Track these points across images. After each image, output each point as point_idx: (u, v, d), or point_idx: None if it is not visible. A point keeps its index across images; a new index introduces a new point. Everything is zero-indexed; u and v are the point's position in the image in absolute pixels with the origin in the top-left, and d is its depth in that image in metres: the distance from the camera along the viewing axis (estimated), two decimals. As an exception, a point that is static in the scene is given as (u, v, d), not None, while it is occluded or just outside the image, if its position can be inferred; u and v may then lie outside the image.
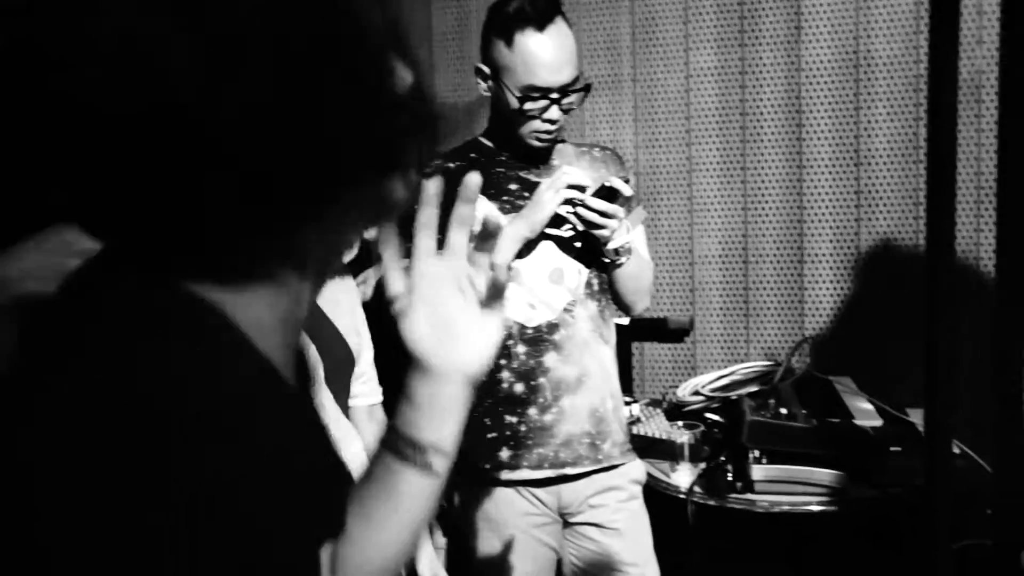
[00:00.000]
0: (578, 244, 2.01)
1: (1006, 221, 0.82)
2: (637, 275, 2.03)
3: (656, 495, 2.30)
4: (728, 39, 2.84)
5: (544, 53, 1.89)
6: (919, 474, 2.08)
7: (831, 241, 2.79)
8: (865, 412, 2.39)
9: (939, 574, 0.91)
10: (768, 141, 2.83)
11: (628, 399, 2.68)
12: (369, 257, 2.10)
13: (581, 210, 1.92)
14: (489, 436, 2.00)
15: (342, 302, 1.83)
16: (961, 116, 2.66)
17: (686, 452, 2.34)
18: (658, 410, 2.72)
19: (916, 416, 2.47)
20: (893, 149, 2.73)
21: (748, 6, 2.81)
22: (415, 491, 0.87)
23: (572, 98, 1.96)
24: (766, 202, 2.84)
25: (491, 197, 2.01)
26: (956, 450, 2.54)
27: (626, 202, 1.94)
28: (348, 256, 1.67)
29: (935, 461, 0.90)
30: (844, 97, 2.76)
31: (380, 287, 2.07)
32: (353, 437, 1.78)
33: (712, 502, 2.26)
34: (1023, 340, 0.84)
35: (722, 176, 2.87)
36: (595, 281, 2.03)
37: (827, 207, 2.79)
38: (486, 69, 1.97)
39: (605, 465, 2.02)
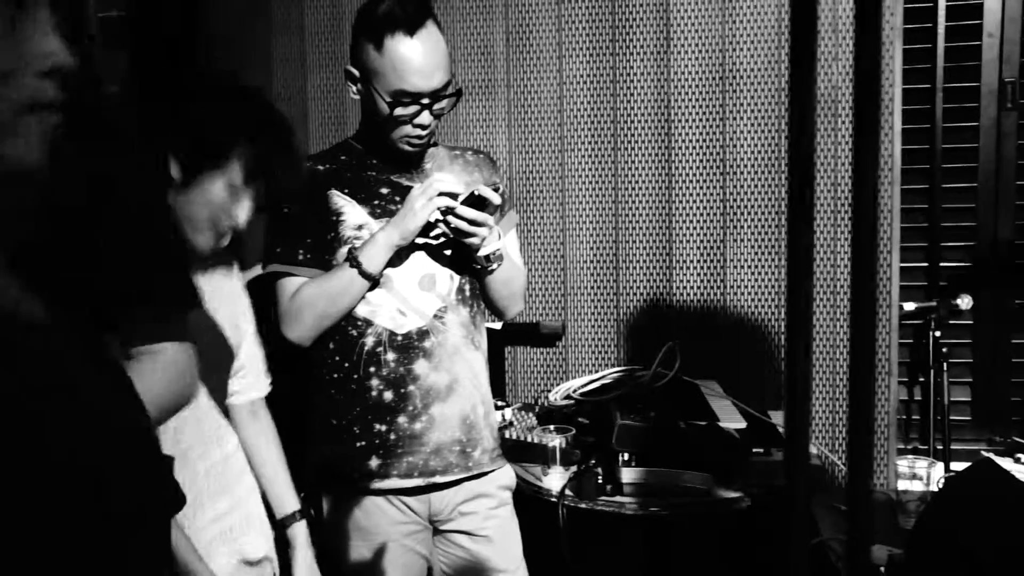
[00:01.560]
0: (449, 251, 2.00)
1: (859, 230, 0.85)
2: (509, 280, 2.04)
3: (528, 499, 2.32)
4: (600, 48, 2.88)
5: (415, 58, 1.87)
6: (780, 474, 2.15)
7: (699, 247, 2.86)
8: (730, 415, 2.46)
9: (795, 571, 0.94)
10: (639, 149, 2.88)
11: (501, 403, 2.69)
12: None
13: (451, 218, 1.91)
14: (359, 445, 1.98)
15: (222, 291, 1.76)
16: (820, 129, 2.77)
17: (558, 456, 2.36)
18: (530, 414, 2.74)
19: (778, 418, 2.55)
20: (756, 159, 2.82)
21: (620, 16, 2.86)
22: None
23: (443, 103, 1.95)
24: (637, 209, 2.89)
25: (361, 201, 1.99)
26: (814, 450, 2.64)
27: (496, 209, 1.94)
28: (224, 241, 1.61)
29: (794, 461, 0.93)
30: (711, 108, 2.83)
31: (261, 280, 2.02)
32: (226, 432, 1.72)
33: (583, 505, 2.29)
34: (874, 345, 0.87)
35: (594, 182, 2.91)
36: (467, 287, 2.03)
37: (695, 214, 2.86)
38: (356, 72, 1.94)
39: (475, 472, 2.02)
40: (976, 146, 3.15)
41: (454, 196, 1.91)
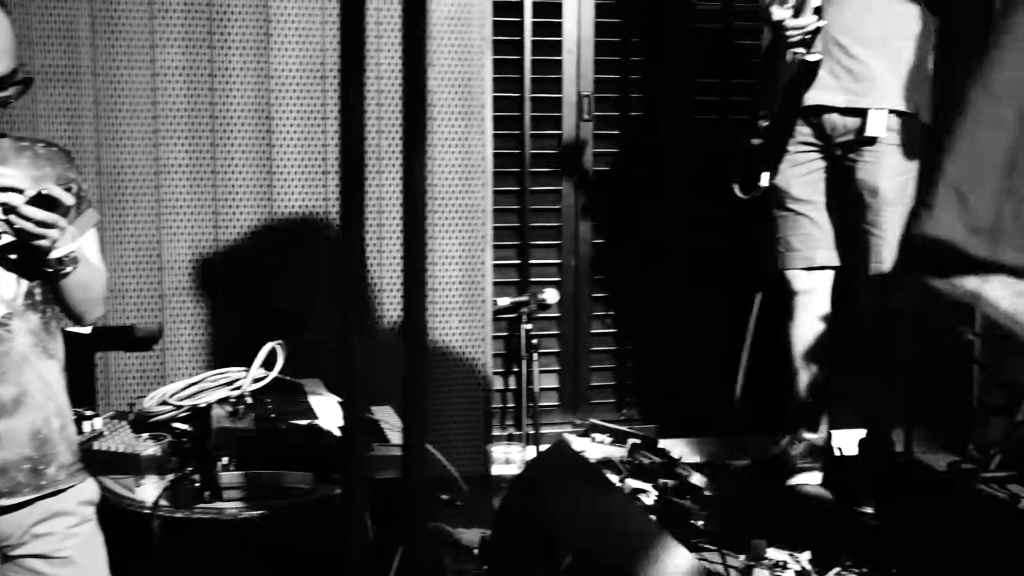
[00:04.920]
0: (14, 254, 1.84)
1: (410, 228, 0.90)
2: (87, 284, 1.91)
3: (122, 513, 2.19)
4: (197, 39, 2.78)
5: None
6: (377, 469, 2.20)
7: (300, 247, 2.86)
8: (332, 413, 2.48)
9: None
10: (239, 145, 2.82)
11: (90, 412, 2.51)
12: None
13: (15, 218, 1.75)
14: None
15: None
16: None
17: (152, 465, 2.26)
18: (123, 423, 2.59)
19: (379, 413, 2.61)
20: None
21: (217, 8, 2.78)
22: None
23: (9, 91, 1.78)
24: (237, 207, 2.83)
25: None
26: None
27: (69, 209, 1.81)
28: None
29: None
30: (312, 107, 2.84)
31: None
32: None
33: (179, 514, 2.20)
34: (425, 341, 0.92)
35: (192, 179, 2.80)
36: (37, 291, 1.87)
37: (297, 213, 2.85)
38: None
39: (50, 491, 1.87)
40: (559, 152, 3.43)
41: (21, 191, 1.76)
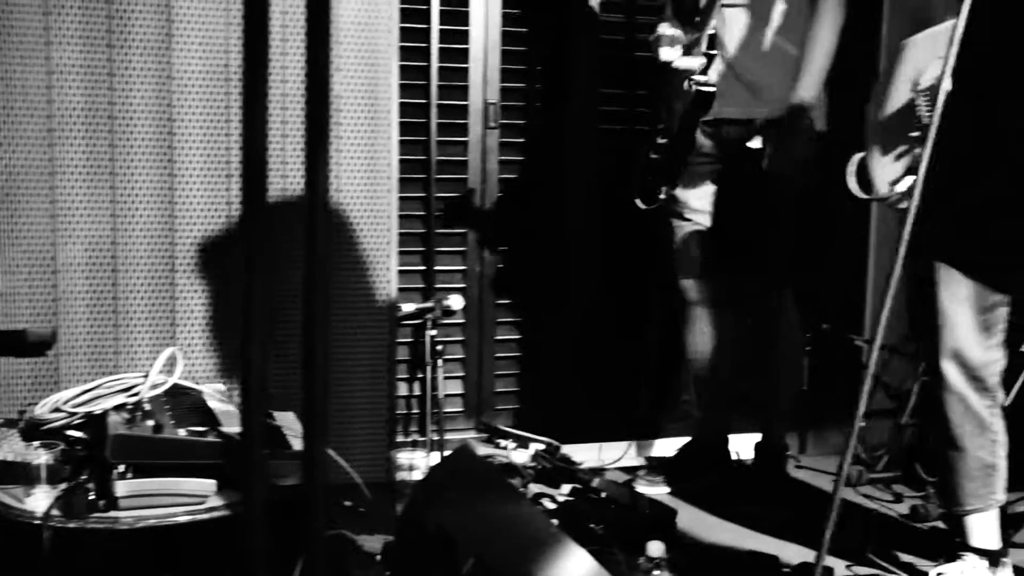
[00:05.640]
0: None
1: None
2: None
3: (11, 525, 2.13)
4: (95, 38, 2.71)
5: None
6: (279, 475, 2.19)
7: (204, 250, 2.81)
8: (233, 418, 2.45)
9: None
10: (139, 147, 2.76)
11: (-22, 421, 2.43)
12: None
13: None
14: None
15: None
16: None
17: (43, 474, 2.19)
18: (13, 431, 2.51)
19: (281, 419, 2.59)
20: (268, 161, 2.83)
21: (116, 6, 2.72)
22: None
23: None
24: (137, 209, 2.77)
25: None
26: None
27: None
28: None
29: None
30: (215, 108, 2.80)
31: None
32: None
33: (72, 525, 2.15)
34: (327, 350, 0.93)
35: (89, 180, 2.74)
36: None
37: (199, 216, 2.81)
38: None
39: (-66, 500, 1.81)
40: (466, 159, 3.45)
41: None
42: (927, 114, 2.09)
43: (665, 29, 2.84)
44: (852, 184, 2.26)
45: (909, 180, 2.10)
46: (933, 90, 2.03)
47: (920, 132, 2.14)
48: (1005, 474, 2.35)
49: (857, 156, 2.28)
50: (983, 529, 2.35)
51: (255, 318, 0.95)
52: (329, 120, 0.81)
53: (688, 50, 2.80)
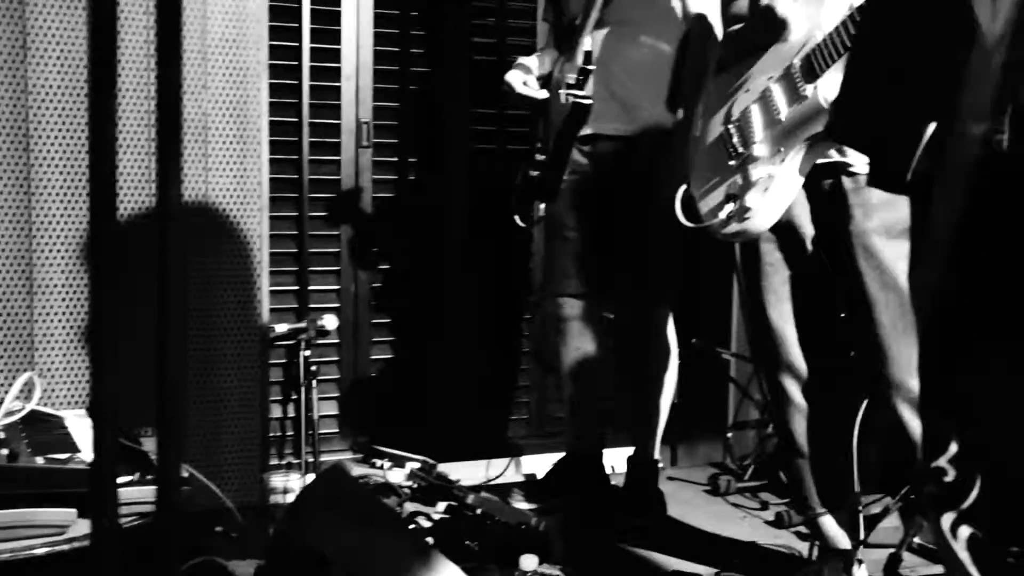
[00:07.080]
0: None
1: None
2: None
3: None
4: (-56, 50, 2.60)
5: None
6: (142, 501, 2.12)
7: (63, 272, 2.71)
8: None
9: None
10: (-8, 164, 2.65)
11: None
12: None
13: None
14: None
15: None
16: (190, 151, 2.79)
17: None
18: None
19: (150, 444, 2.51)
20: (129, 180, 2.75)
21: (-32, 18, 2.61)
22: None
23: None
24: (-10, 229, 2.66)
25: None
26: (186, 473, 2.65)
27: None
28: None
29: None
30: (74, 124, 2.70)
31: None
32: None
33: (-82, 561, 2.03)
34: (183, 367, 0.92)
35: (-62, 199, 2.61)
36: None
37: (58, 236, 2.71)
38: None
39: None
40: (339, 178, 3.43)
41: None
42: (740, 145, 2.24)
43: (524, 60, 3.08)
44: (679, 215, 2.35)
45: (729, 208, 2.21)
46: (744, 119, 2.23)
47: (736, 162, 2.25)
48: (855, 476, 2.45)
49: (682, 188, 2.38)
50: (836, 530, 2.46)
51: (105, 341, 0.93)
52: (181, 133, 0.80)
53: (546, 81, 2.95)
